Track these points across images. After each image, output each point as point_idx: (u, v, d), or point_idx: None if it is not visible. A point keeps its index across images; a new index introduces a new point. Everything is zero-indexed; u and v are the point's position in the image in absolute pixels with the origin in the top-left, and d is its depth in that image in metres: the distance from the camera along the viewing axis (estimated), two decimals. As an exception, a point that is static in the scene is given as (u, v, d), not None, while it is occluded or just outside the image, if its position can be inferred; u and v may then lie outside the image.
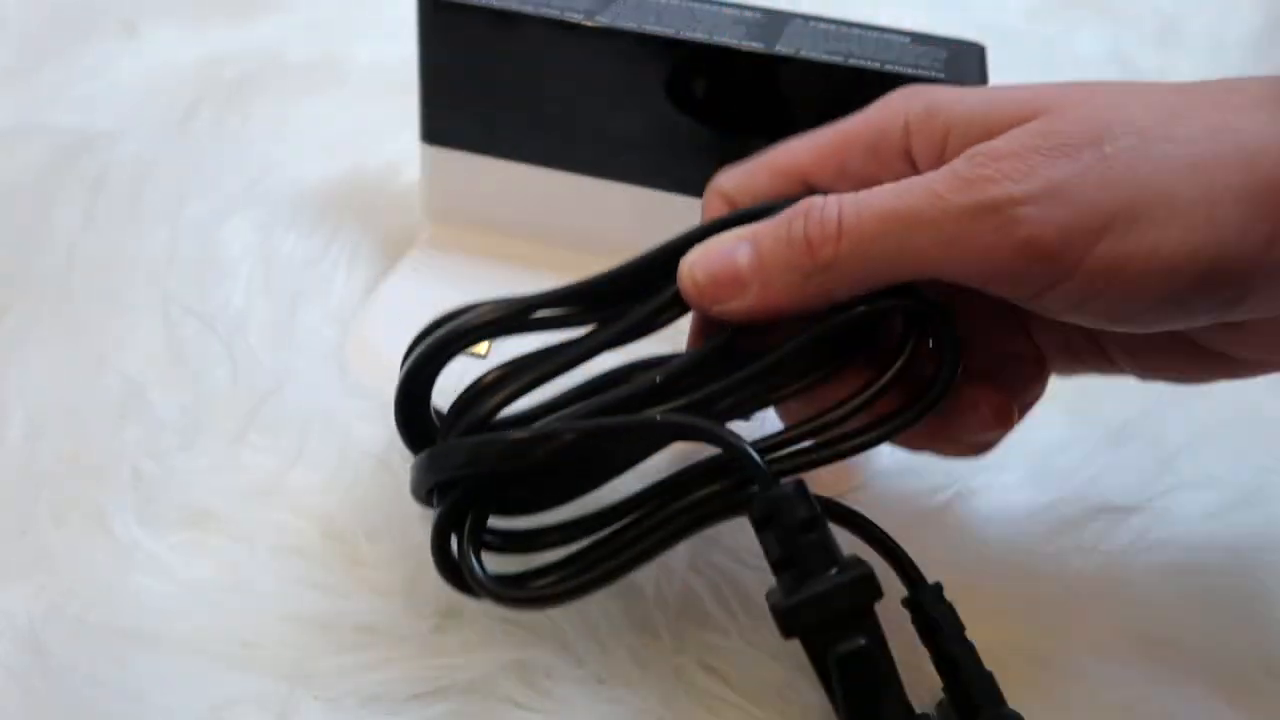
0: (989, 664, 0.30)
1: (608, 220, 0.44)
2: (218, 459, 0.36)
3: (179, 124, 0.53)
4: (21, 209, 0.45)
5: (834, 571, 0.28)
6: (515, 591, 0.30)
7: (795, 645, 0.32)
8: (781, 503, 0.28)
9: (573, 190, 0.43)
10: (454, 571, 0.30)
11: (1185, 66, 0.62)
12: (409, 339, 0.41)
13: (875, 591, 0.28)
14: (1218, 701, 0.32)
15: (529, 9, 0.41)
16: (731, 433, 0.29)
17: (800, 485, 0.29)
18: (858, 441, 0.30)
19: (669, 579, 0.34)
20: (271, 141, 0.52)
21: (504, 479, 0.30)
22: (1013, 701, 0.30)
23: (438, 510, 0.30)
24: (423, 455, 0.31)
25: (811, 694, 0.31)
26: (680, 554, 0.34)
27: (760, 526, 0.29)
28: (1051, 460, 0.39)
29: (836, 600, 0.27)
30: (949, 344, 0.30)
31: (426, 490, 0.31)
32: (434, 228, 0.46)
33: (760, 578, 0.34)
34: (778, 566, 0.28)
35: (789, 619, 0.28)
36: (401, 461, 0.35)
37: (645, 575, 0.33)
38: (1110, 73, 0.61)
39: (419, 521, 0.34)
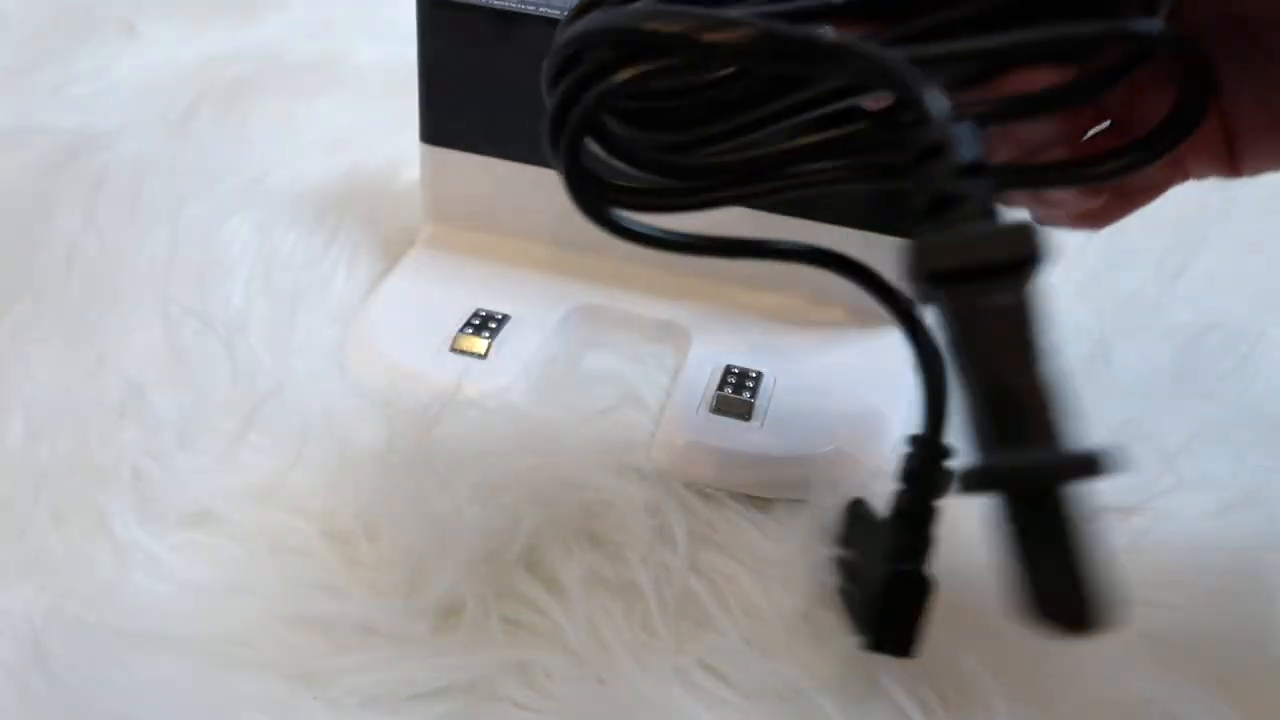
0: (989, 665, 0.30)
1: None
2: (218, 459, 0.36)
3: (179, 124, 0.53)
4: (21, 209, 0.45)
5: (992, 223, 0.24)
6: (614, 194, 0.28)
7: (795, 645, 0.32)
8: (953, 136, 0.24)
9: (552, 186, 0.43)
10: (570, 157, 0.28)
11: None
12: (409, 338, 0.41)
13: (1038, 251, 0.24)
14: (1218, 701, 0.32)
15: (529, 8, 0.41)
16: (908, 66, 0.25)
17: (977, 127, 0.25)
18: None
19: (669, 579, 0.34)
20: (271, 141, 0.52)
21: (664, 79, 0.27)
22: (1013, 701, 0.30)
23: (568, 77, 0.27)
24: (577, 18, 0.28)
25: (812, 693, 0.31)
26: (680, 554, 0.34)
27: (920, 158, 0.25)
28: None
29: (994, 244, 0.24)
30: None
31: (562, 60, 0.27)
32: (433, 227, 0.46)
33: (760, 580, 0.34)
34: (929, 211, 0.25)
35: (932, 256, 0.24)
36: (402, 462, 0.35)
37: (645, 575, 0.33)
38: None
39: (419, 521, 0.34)
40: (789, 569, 0.35)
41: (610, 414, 0.39)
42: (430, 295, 0.43)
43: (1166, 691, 0.32)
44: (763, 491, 0.37)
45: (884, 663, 0.32)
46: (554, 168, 0.29)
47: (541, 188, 0.44)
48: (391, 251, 0.46)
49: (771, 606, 0.34)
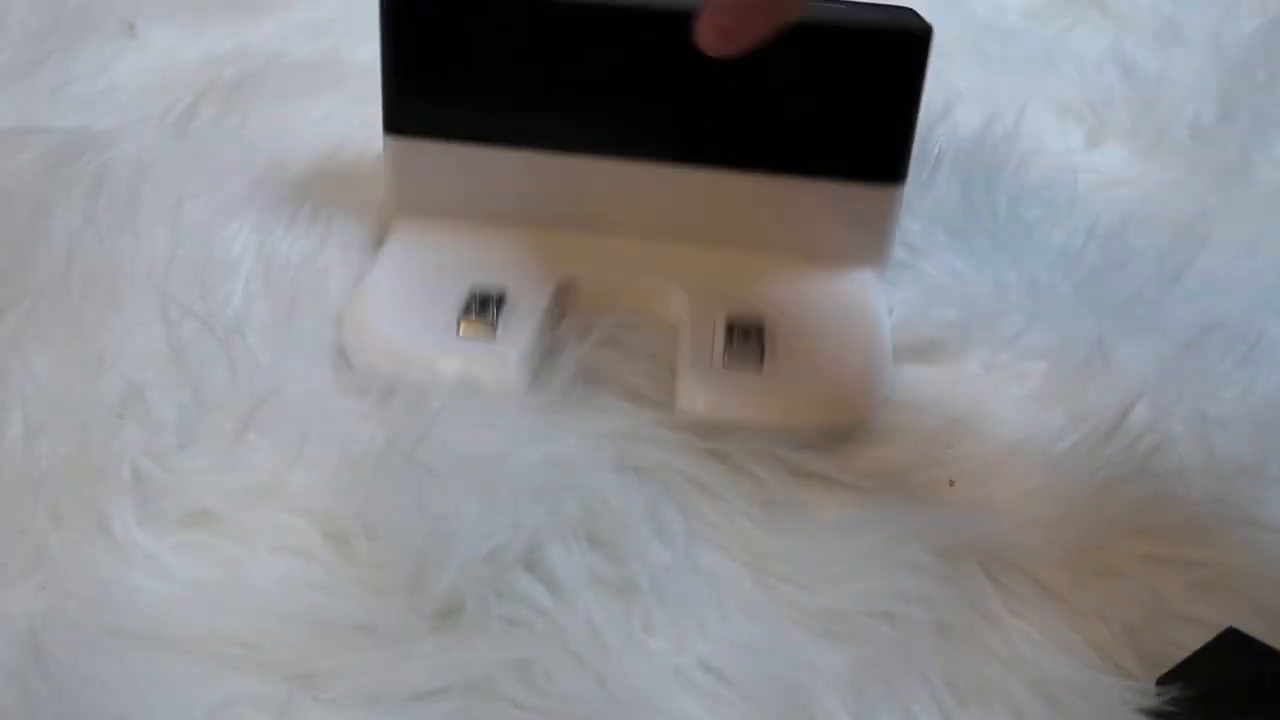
0: (1006, 664, 0.30)
1: (581, 194, 0.44)
2: (217, 459, 0.36)
3: (179, 124, 0.53)
4: (21, 209, 0.45)
5: None
6: None
7: (795, 644, 0.32)
8: None
9: (542, 168, 0.44)
10: None
11: (1185, 66, 0.62)
12: (413, 327, 0.41)
13: None
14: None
15: None
16: None
17: None
18: None
19: (669, 579, 0.34)
20: (271, 141, 0.52)
21: None
22: (1027, 705, 0.29)
23: None
24: None
25: (814, 693, 0.31)
26: (679, 553, 0.34)
27: None
28: (1055, 463, 0.39)
29: None
30: None
31: None
32: (403, 220, 0.46)
33: (760, 580, 0.34)
34: None
35: None
36: (402, 462, 0.35)
37: (644, 574, 0.33)
38: (1110, 73, 0.61)
39: (419, 521, 0.34)
40: (790, 568, 0.35)
41: (611, 414, 0.39)
42: (421, 282, 0.43)
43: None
44: (788, 428, 0.38)
45: (890, 662, 0.32)
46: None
47: (513, 169, 0.44)
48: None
49: (772, 606, 0.34)
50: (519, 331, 0.41)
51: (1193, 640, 0.33)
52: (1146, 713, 0.31)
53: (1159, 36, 0.64)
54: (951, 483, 0.38)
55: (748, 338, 0.41)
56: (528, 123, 0.43)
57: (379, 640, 0.32)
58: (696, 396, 0.39)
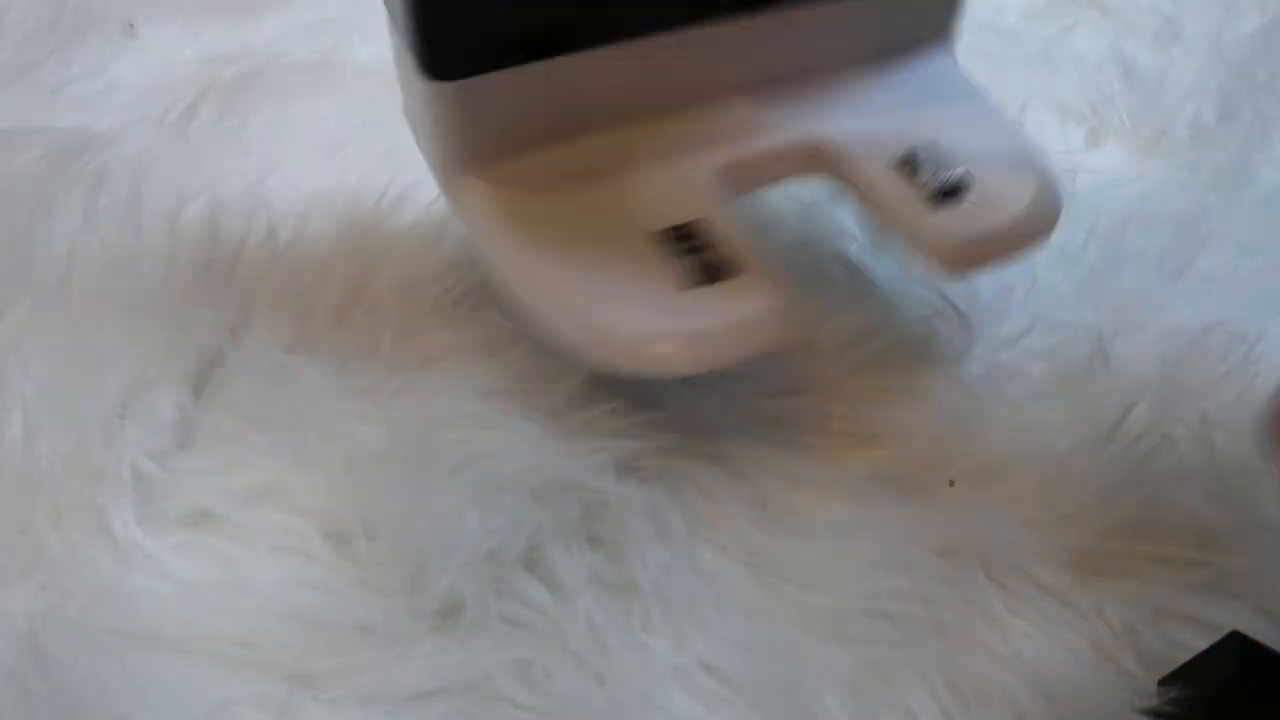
0: (1002, 665, 0.30)
1: (665, 76, 0.39)
2: (218, 459, 0.36)
3: (179, 124, 0.53)
4: (21, 209, 0.45)
5: None
6: None
7: (795, 644, 0.32)
8: None
9: (618, 62, 0.37)
10: None
11: (1185, 66, 0.62)
12: (638, 305, 0.34)
13: None
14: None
15: None
16: None
17: None
18: None
19: (669, 579, 0.34)
20: (272, 142, 0.52)
21: None
22: (1029, 706, 0.29)
23: None
24: None
25: (814, 693, 0.31)
26: (679, 554, 0.34)
27: None
28: (1055, 463, 0.39)
29: None
30: None
31: None
32: (472, 180, 0.37)
33: (760, 578, 0.34)
34: None
35: None
36: (402, 462, 0.35)
37: (645, 575, 0.33)
38: (1110, 73, 0.61)
39: (419, 521, 0.34)
40: (790, 568, 0.35)
41: (611, 416, 0.39)
42: (589, 247, 0.36)
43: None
44: (1036, 232, 0.38)
45: (890, 662, 0.32)
46: None
47: (587, 74, 0.37)
48: (392, 250, 0.46)
49: (772, 606, 0.34)
50: (743, 257, 0.35)
51: (1194, 640, 0.33)
52: (1147, 713, 0.31)
53: (1159, 36, 0.64)
54: (951, 483, 0.38)
55: (935, 165, 0.38)
56: (589, 18, 0.36)
57: (379, 640, 0.32)
58: (934, 241, 0.37)
